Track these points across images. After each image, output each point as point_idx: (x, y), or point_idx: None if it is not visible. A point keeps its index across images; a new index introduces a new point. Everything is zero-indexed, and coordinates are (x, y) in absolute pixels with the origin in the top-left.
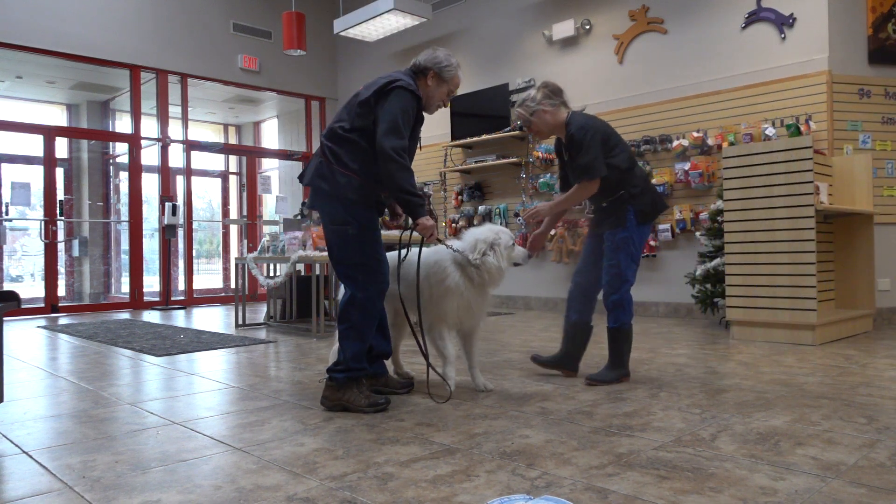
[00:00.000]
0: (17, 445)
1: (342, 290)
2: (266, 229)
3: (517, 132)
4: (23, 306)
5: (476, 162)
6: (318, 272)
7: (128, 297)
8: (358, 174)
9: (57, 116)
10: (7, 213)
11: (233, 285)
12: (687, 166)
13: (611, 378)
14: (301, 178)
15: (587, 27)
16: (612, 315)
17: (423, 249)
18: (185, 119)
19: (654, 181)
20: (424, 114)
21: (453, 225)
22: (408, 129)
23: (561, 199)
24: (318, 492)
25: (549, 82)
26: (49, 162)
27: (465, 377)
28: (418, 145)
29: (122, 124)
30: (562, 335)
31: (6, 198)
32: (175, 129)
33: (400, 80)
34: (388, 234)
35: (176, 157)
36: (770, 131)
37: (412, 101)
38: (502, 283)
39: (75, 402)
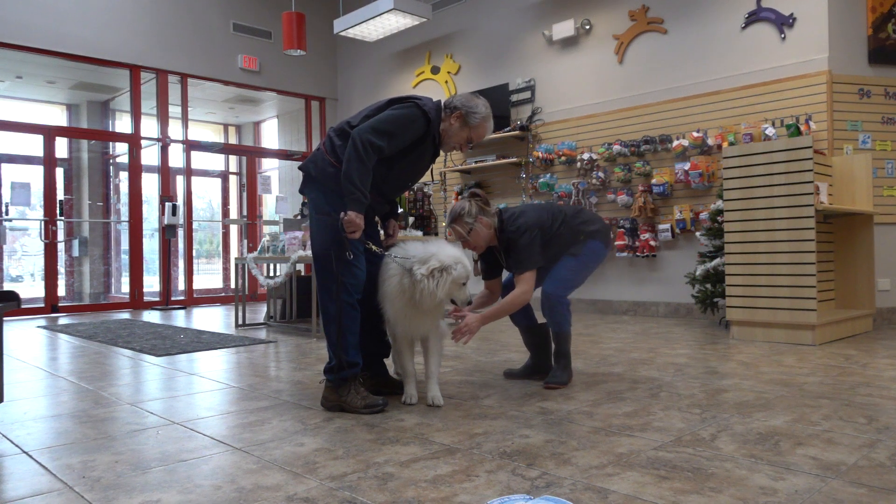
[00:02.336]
0: (17, 445)
1: None
2: (266, 229)
3: (517, 132)
4: (23, 306)
5: (476, 162)
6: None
7: (128, 297)
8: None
9: (57, 116)
10: (7, 213)
11: (233, 285)
12: (687, 166)
13: (565, 379)
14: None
15: (587, 27)
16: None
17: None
18: (185, 119)
19: (654, 181)
20: (440, 150)
21: None
22: (397, 141)
23: (495, 309)
24: (318, 492)
25: (477, 191)
26: (49, 162)
27: (464, 378)
28: (426, 177)
29: (122, 124)
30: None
31: (6, 198)
32: (175, 129)
33: (420, 100)
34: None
35: (176, 157)
36: (770, 131)
37: (419, 121)
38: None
39: (75, 402)
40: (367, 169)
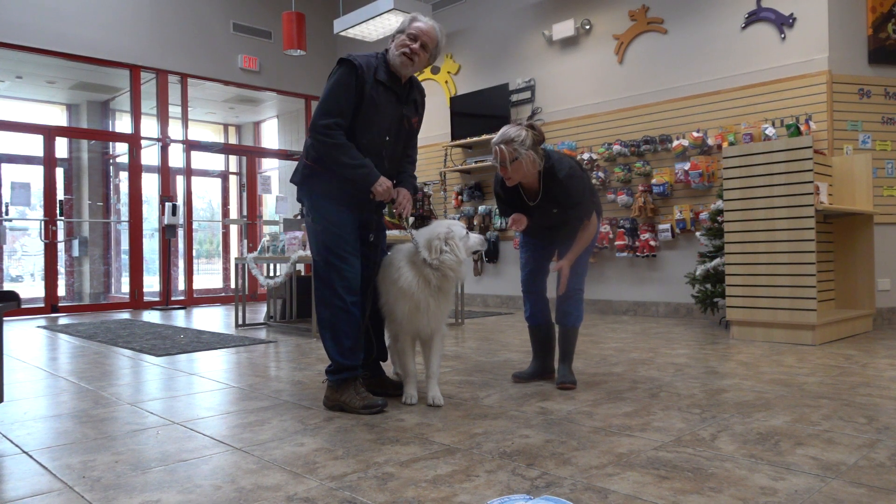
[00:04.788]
0: (17, 445)
1: None
2: (266, 229)
3: None
4: (23, 306)
5: (476, 162)
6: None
7: (128, 297)
8: (315, 162)
9: (57, 116)
10: (7, 213)
11: (233, 285)
12: (687, 166)
13: (575, 378)
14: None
15: (587, 27)
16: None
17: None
18: (185, 119)
19: (654, 181)
20: (400, 75)
21: None
22: (343, 102)
23: (575, 249)
24: (318, 492)
25: (535, 125)
26: (49, 162)
27: (464, 378)
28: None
29: (122, 124)
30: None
31: (6, 198)
32: (175, 129)
33: (350, 55)
34: (390, 235)
35: (176, 157)
36: (770, 131)
37: (345, 73)
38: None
39: (75, 402)
40: (341, 146)
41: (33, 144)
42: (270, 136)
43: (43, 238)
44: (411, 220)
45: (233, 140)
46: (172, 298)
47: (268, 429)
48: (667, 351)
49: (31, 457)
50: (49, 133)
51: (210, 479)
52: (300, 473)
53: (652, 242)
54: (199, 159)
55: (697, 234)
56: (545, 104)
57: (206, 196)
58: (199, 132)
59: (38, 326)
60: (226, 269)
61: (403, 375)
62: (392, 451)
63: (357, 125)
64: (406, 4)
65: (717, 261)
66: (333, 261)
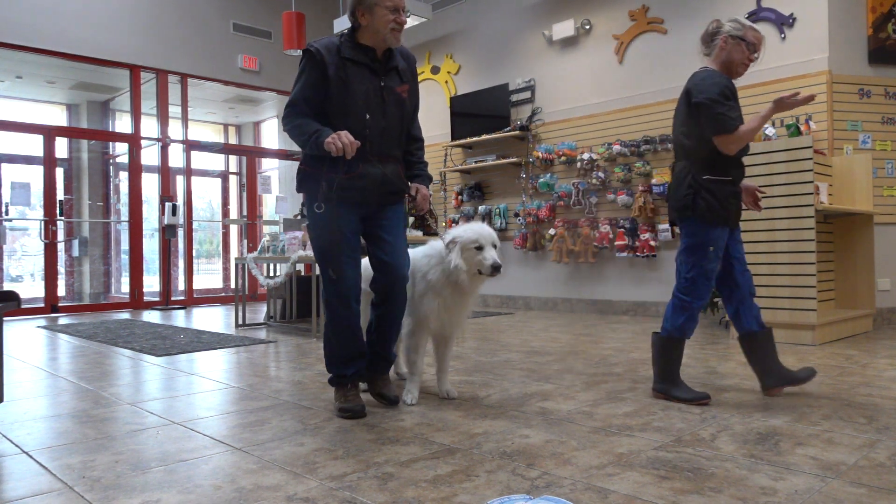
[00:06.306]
0: (17, 445)
1: None
2: (266, 229)
3: (517, 132)
4: (23, 306)
5: (476, 162)
6: (317, 272)
7: (128, 297)
8: (307, 163)
9: (57, 116)
10: (7, 213)
11: (233, 285)
12: None
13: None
14: None
15: (587, 27)
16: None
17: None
18: (185, 119)
19: (654, 181)
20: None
21: (453, 225)
22: (306, 90)
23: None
24: (318, 492)
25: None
26: (49, 162)
27: (464, 378)
28: (377, 102)
29: (122, 124)
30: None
31: (6, 198)
32: (175, 129)
33: (311, 43)
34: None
35: (176, 157)
36: (770, 131)
37: (304, 63)
38: (474, 288)
39: (75, 402)
40: (296, 126)
41: (33, 144)
42: (270, 136)
43: (43, 238)
44: (433, 222)
45: (233, 140)
46: (172, 298)
47: (268, 429)
48: None
49: (31, 457)
50: (49, 133)
51: (210, 479)
52: (300, 473)
53: (652, 242)
54: (199, 159)
55: None
56: (545, 104)
57: (206, 196)
58: (199, 132)
59: (38, 326)
60: (226, 269)
61: (410, 373)
62: (392, 451)
63: (332, 112)
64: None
65: None
66: (326, 268)
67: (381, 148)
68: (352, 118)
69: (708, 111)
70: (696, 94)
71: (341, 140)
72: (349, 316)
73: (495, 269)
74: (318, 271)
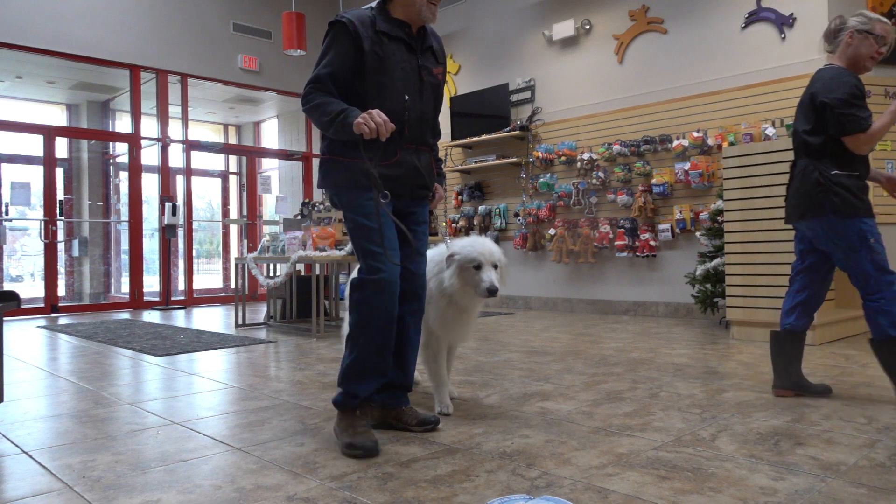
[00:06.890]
0: (17, 445)
1: (344, 290)
2: (266, 229)
3: (517, 132)
4: (23, 306)
5: (476, 162)
6: (318, 272)
7: (128, 297)
8: (329, 152)
9: (57, 116)
10: (7, 213)
11: (233, 285)
12: (687, 166)
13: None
14: None
15: (587, 27)
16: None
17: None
18: (185, 119)
19: (654, 181)
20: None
21: (453, 225)
22: (335, 64)
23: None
24: (318, 492)
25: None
26: (49, 162)
27: (464, 378)
28: (412, 83)
29: (122, 124)
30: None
31: (6, 198)
32: (175, 129)
33: (341, 14)
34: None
35: (176, 157)
36: (770, 131)
37: (335, 34)
38: (471, 307)
39: (75, 402)
40: (318, 105)
41: (33, 144)
42: (270, 136)
43: (43, 238)
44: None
45: (233, 140)
46: (172, 298)
47: (268, 429)
48: (667, 351)
49: (31, 457)
50: (49, 133)
51: (210, 479)
52: (300, 473)
53: (652, 242)
54: (199, 159)
55: (697, 234)
56: (545, 104)
57: (206, 196)
58: (199, 132)
59: (38, 326)
60: (226, 269)
61: (436, 385)
62: (392, 451)
63: (367, 92)
64: None
65: (717, 261)
66: (363, 262)
67: (418, 134)
68: (388, 99)
69: (839, 112)
70: (824, 94)
71: (374, 119)
72: (392, 312)
73: (490, 292)
74: (318, 271)
